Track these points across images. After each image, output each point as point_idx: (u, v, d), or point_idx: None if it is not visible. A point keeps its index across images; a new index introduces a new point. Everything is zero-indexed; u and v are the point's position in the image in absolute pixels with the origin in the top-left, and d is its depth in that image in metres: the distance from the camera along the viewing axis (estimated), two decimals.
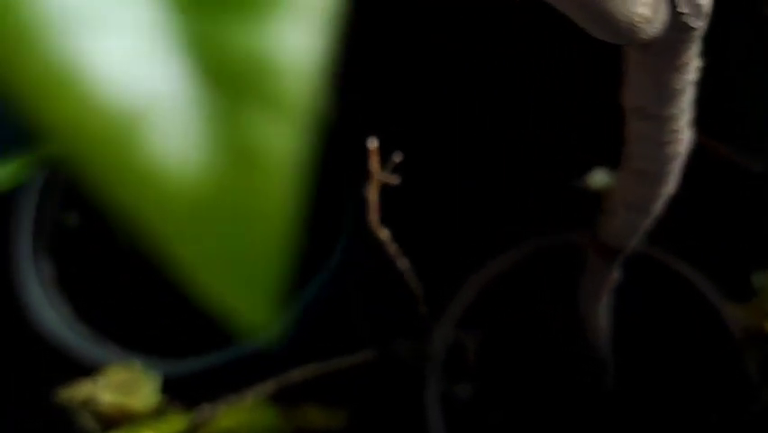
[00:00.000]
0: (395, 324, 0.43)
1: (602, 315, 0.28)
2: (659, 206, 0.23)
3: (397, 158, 0.26)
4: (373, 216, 0.27)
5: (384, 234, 0.28)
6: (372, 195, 0.26)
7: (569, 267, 0.38)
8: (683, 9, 0.17)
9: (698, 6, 0.17)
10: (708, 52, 0.20)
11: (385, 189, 0.51)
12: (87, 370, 0.49)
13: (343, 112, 0.51)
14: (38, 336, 0.49)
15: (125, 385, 0.30)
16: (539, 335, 0.40)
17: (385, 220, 0.47)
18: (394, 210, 0.49)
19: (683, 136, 0.21)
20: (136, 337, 0.49)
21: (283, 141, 0.10)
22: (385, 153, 0.28)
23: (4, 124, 0.52)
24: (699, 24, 0.17)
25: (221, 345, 0.48)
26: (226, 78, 0.10)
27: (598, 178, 0.29)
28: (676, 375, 0.35)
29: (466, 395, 0.42)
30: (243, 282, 0.10)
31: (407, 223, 0.41)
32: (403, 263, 0.30)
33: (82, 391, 0.29)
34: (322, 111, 0.10)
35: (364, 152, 0.52)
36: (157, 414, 0.30)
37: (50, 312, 0.49)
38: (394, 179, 0.26)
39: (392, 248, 0.29)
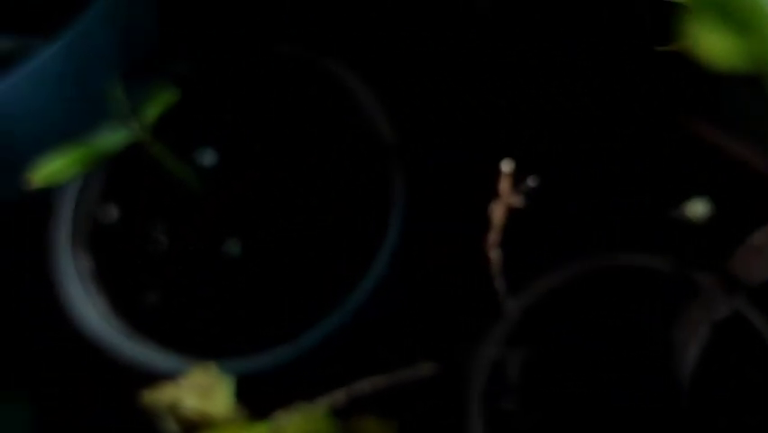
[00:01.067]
0: (447, 334, 0.44)
1: (695, 346, 0.29)
2: None
3: (532, 182, 0.26)
4: (494, 237, 0.27)
5: (495, 255, 0.28)
6: (498, 217, 0.26)
7: (627, 289, 0.38)
8: None
9: None
10: None
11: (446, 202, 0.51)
12: (124, 366, 0.49)
13: (393, 118, 0.51)
14: (75, 330, 0.48)
15: (205, 389, 0.30)
16: (590, 355, 0.40)
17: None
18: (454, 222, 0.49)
19: None
20: (174, 334, 0.48)
21: None
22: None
23: (56, 121, 0.52)
24: None
25: (260, 346, 0.48)
26: None
27: (699, 208, 0.29)
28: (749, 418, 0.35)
29: (512, 412, 0.43)
30: None
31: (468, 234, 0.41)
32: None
33: (166, 394, 0.29)
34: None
35: (413, 158, 0.53)
36: (232, 419, 0.30)
37: (87, 307, 0.49)
38: (521, 203, 0.27)
39: (496, 268, 0.29)
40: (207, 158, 0.52)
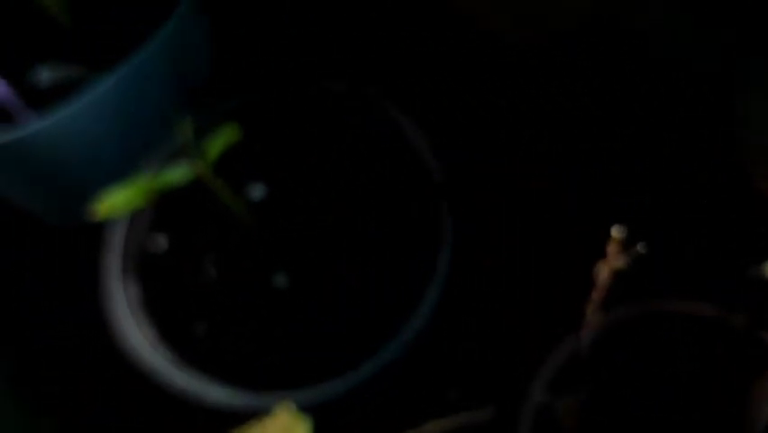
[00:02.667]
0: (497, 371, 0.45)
1: None
2: None
3: (642, 249, 0.28)
4: (597, 296, 0.28)
5: (595, 316, 0.29)
6: (603, 279, 0.28)
7: (692, 338, 0.39)
8: None
9: None
10: None
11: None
12: (171, 395, 0.49)
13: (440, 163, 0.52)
14: (124, 358, 0.49)
15: (288, 429, 0.30)
16: (644, 403, 0.41)
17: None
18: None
19: None
20: (221, 365, 0.49)
21: None
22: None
23: (111, 151, 0.53)
24: None
25: (306, 379, 0.48)
26: None
27: None
28: None
29: None
30: None
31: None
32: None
33: None
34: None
35: (459, 192, 0.54)
36: None
37: (136, 335, 0.49)
38: (626, 266, 0.28)
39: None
40: (257, 191, 0.53)
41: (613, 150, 0.51)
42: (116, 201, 0.45)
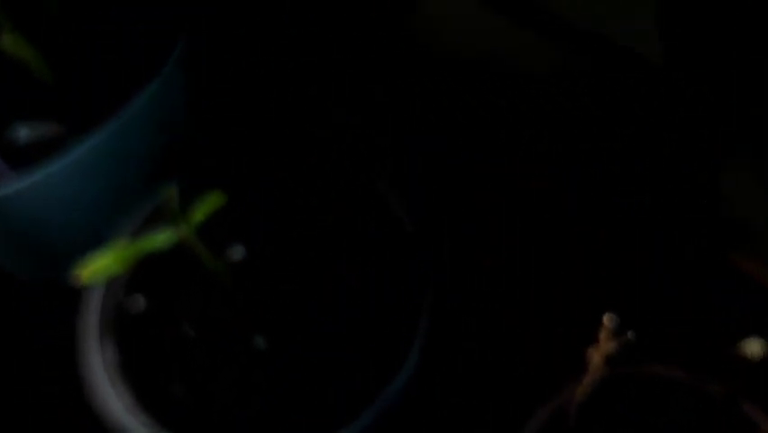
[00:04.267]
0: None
1: None
2: None
3: (632, 337, 0.28)
4: (589, 379, 0.29)
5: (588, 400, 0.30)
6: (595, 365, 0.28)
7: (671, 404, 0.40)
8: None
9: None
10: None
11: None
12: None
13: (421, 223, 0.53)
14: (101, 422, 0.48)
15: None
16: None
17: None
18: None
19: None
20: (199, 428, 0.49)
21: None
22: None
23: (89, 210, 0.52)
24: None
25: None
26: None
27: (754, 347, 0.32)
28: None
29: None
30: None
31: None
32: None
33: None
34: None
35: (440, 252, 0.55)
36: None
37: (113, 398, 0.49)
38: (615, 351, 0.29)
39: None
40: (236, 253, 0.53)
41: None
42: (99, 266, 0.44)
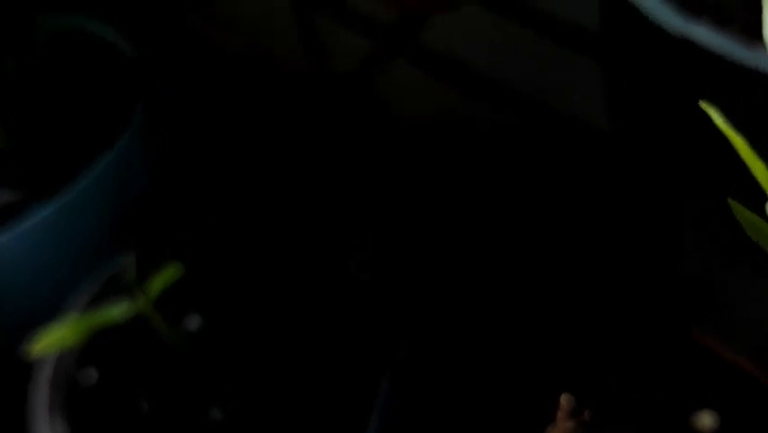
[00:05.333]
0: None
1: None
2: None
3: (588, 417, 0.28)
4: None
5: None
6: None
7: None
8: None
9: None
10: None
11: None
12: None
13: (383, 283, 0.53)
14: None
15: None
16: None
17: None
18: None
19: None
20: None
21: None
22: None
23: (46, 278, 0.51)
24: None
25: None
26: None
27: (706, 420, 0.32)
28: None
29: None
30: None
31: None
32: None
33: None
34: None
35: (399, 319, 0.54)
36: None
37: None
38: (572, 430, 0.28)
39: None
40: (193, 323, 0.52)
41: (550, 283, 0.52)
42: (51, 339, 0.43)
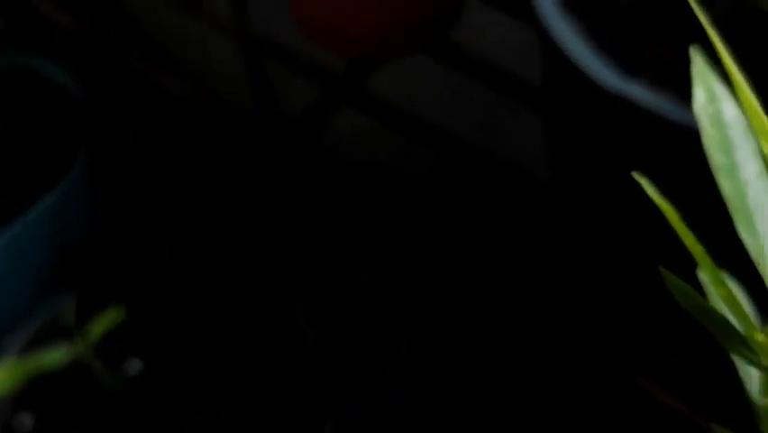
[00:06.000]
0: None
1: None
2: None
3: None
4: None
5: None
6: None
7: None
8: None
9: None
10: None
11: None
12: None
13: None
14: None
15: None
16: None
17: None
18: None
19: None
20: None
21: None
22: None
23: None
24: None
25: None
26: None
27: None
28: None
29: None
30: None
31: None
32: None
33: None
34: None
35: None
36: None
37: None
38: None
39: None
40: (133, 367, 0.51)
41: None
42: None
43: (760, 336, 0.19)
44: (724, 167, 0.20)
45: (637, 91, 0.39)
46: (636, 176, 0.20)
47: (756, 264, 0.19)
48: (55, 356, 0.44)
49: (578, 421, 0.47)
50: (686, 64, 0.44)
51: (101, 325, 0.44)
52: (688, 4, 0.45)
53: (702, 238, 0.22)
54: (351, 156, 0.59)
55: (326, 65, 0.59)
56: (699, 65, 0.22)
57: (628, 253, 0.40)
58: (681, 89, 0.43)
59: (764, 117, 0.17)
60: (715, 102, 0.21)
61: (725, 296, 0.19)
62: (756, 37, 0.43)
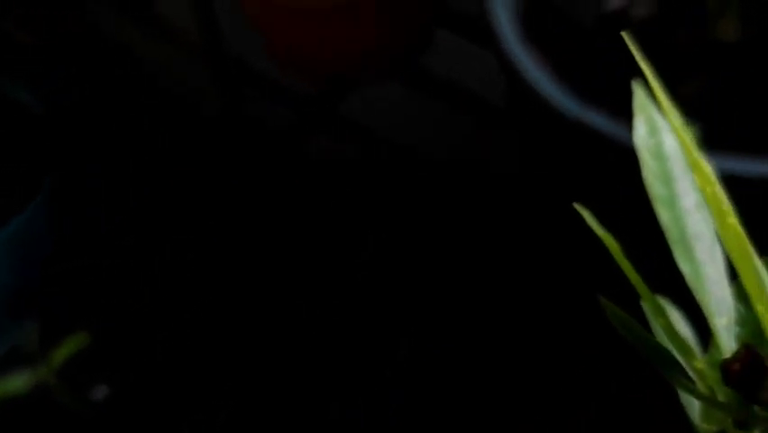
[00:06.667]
0: None
1: None
2: None
3: None
4: None
5: None
6: None
7: None
8: None
9: None
10: None
11: None
12: None
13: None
14: None
15: None
16: None
17: None
18: None
19: None
20: None
21: None
22: None
23: None
24: None
25: None
26: None
27: None
28: None
29: None
30: None
31: None
32: None
33: None
34: None
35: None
36: None
37: None
38: None
39: None
40: (99, 392, 0.51)
41: None
42: None
43: (698, 364, 0.19)
44: (663, 198, 0.20)
45: (596, 119, 0.40)
46: (578, 207, 0.20)
47: (693, 292, 0.20)
48: (17, 383, 0.43)
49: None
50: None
51: (65, 350, 0.44)
52: (647, 34, 0.46)
53: (652, 265, 0.23)
54: (326, 178, 0.59)
55: (300, 91, 0.59)
56: (640, 97, 0.23)
57: (586, 280, 0.41)
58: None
59: (696, 152, 0.18)
60: (655, 134, 0.21)
61: (663, 325, 0.20)
62: (717, 64, 0.44)
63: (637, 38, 0.46)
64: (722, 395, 0.20)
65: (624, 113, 0.41)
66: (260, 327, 0.54)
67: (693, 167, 0.18)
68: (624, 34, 0.19)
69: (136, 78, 0.61)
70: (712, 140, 0.44)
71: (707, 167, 0.18)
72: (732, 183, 0.40)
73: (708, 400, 0.19)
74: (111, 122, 0.60)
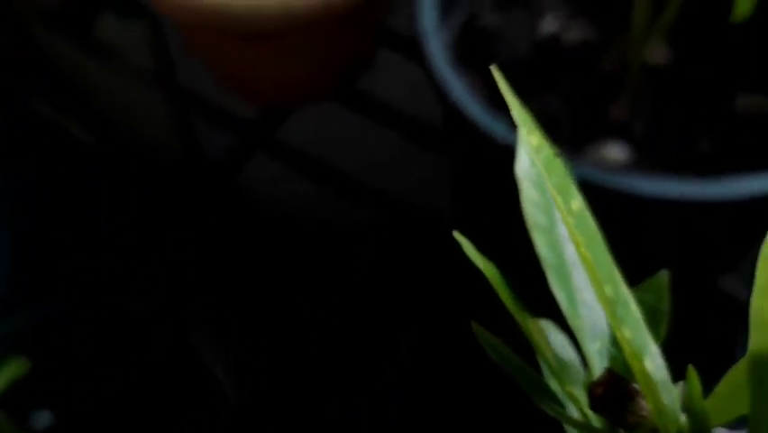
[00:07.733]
0: None
1: None
2: None
3: None
4: None
5: None
6: None
7: None
8: None
9: None
10: None
11: None
12: None
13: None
14: None
15: None
16: None
17: None
18: None
19: None
20: None
21: None
22: None
23: None
24: None
25: None
26: None
27: None
28: None
29: None
30: None
31: None
32: None
33: None
34: None
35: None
36: None
37: None
38: None
39: None
40: (42, 419, 0.51)
41: None
42: None
43: (569, 389, 0.20)
44: (542, 226, 0.21)
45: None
46: (457, 236, 0.20)
47: (567, 319, 0.20)
48: None
49: None
50: (575, 117, 0.45)
51: (4, 376, 0.44)
52: (576, 59, 0.46)
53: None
54: (267, 203, 0.60)
55: (242, 115, 0.60)
56: (526, 127, 0.23)
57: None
58: (573, 142, 0.45)
59: (567, 178, 0.18)
60: (537, 165, 0.22)
61: (539, 349, 0.20)
62: (647, 87, 0.44)
63: (571, 62, 0.47)
64: (596, 420, 0.20)
65: (556, 138, 0.41)
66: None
67: (562, 211, 0.18)
68: (492, 68, 0.20)
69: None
70: (642, 162, 0.45)
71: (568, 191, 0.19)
72: (659, 204, 0.40)
73: (578, 425, 0.19)
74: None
